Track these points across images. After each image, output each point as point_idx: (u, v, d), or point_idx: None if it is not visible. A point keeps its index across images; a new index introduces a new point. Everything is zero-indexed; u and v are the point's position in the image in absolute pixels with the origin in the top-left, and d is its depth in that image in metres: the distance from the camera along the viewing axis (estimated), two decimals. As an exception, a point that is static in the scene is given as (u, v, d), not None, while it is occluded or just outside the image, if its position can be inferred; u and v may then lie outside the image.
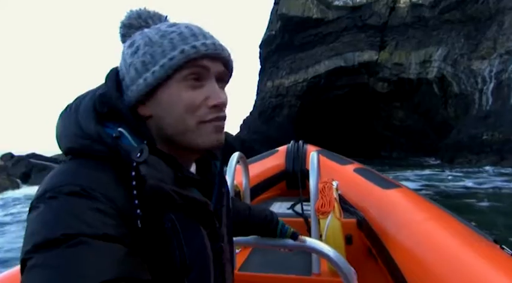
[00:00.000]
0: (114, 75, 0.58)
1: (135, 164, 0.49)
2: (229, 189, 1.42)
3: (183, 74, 0.54)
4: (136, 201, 0.48)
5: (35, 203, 0.47)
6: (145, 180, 0.48)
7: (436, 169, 16.49)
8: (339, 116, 28.44)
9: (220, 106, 0.57)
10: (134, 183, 0.48)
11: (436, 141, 23.71)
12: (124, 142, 0.52)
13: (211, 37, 0.58)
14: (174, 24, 0.58)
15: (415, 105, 24.82)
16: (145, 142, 0.53)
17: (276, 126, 27.93)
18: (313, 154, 1.70)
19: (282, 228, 1.00)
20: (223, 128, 0.59)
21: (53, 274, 0.39)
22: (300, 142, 3.10)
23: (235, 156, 1.68)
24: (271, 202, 2.54)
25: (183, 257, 0.51)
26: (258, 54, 31.59)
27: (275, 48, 29.45)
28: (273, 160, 2.97)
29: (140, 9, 0.62)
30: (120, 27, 0.62)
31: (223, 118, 0.58)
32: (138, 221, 0.47)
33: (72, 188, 0.46)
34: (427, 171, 15.78)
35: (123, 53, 0.59)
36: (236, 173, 1.69)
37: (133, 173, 0.49)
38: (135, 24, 0.61)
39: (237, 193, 1.90)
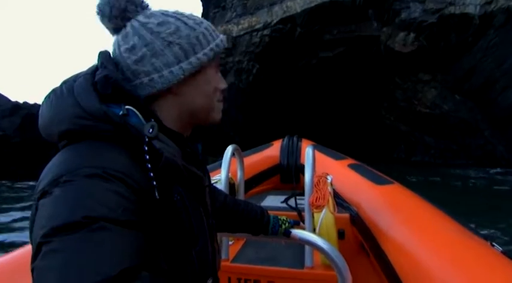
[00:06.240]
0: (111, 59, 0.60)
1: (147, 139, 0.52)
2: (224, 181, 1.68)
3: (214, 63, 0.65)
4: (151, 174, 0.51)
5: (48, 188, 0.46)
6: (161, 154, 0.52)
7: None
8: (325, 96, 16.69)
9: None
10: (147, 157, 0.52)
11: (495, 142, 12.55)
12: (132, 120, 0.54)
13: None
14: (194, 18, 0.65)
15: (462, 77, 13.29)
16: (152, 120, 0.56)
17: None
18: (308, 148, 1.74)
19: (273, 228, 1.02)
20: None
21: (73, 259, 0.38)
22: (295, 137, 3.19)
23: (230, 148, 1.73)
24: (265, 196, 2.60)
25: (191, 228, 0.56)
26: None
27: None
28: (267, 154, 3.06)
29: None
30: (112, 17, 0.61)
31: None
32: (156, 192, 0.51)
33: (92, 170, 0.46)
34: None
35: (142, 35, 0.59)
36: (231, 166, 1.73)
37: (146, 148, 0.52)
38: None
39: (232, 185, 1.89)
